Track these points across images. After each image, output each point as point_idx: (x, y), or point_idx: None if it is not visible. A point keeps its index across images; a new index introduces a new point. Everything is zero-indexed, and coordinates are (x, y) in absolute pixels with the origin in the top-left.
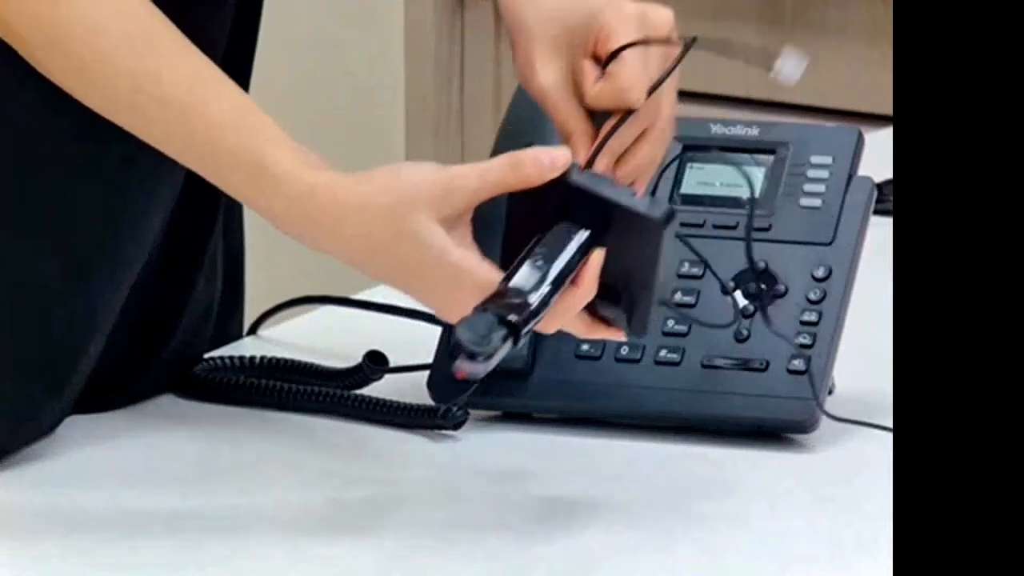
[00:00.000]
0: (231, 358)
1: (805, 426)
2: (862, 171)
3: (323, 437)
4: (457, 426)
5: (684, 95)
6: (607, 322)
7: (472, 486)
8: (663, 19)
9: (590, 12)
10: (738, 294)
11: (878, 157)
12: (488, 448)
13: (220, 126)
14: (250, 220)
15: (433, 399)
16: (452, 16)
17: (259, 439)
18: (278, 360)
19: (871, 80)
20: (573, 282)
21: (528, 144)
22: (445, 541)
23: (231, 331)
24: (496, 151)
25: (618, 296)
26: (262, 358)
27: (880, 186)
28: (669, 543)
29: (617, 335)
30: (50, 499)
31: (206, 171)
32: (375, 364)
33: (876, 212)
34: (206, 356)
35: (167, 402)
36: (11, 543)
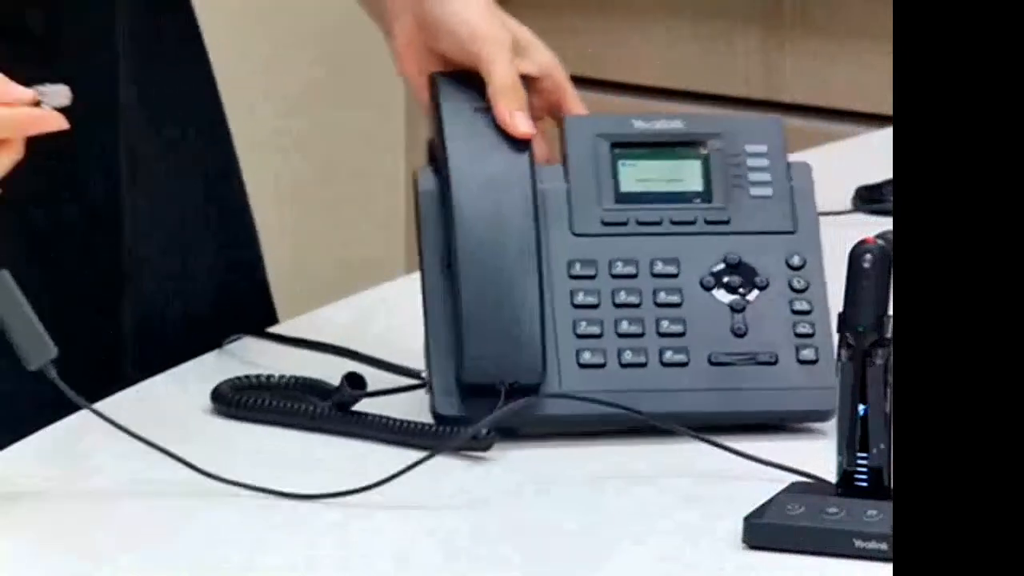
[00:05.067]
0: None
1: (825, 415)
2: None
3: (329, 447)
4: (486, 447)
5: (684, 95)
6: None
7: (480, 493)
8: None
9: None
10: (721, 291)
11: (878, 157)
12: (494, 454)
13: None
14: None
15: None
16: None
17: (269, 451)
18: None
19: (871, 80)
20: None
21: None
22: (451, 546)
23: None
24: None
25: None
26: (268, 376)
27: (880, 186)
28: (669, 543)
29: None
30: (49, 499)
31: None
32: (354, 387)
33: (876, 212)
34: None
35: (169, 408)
36: (11, 543)
